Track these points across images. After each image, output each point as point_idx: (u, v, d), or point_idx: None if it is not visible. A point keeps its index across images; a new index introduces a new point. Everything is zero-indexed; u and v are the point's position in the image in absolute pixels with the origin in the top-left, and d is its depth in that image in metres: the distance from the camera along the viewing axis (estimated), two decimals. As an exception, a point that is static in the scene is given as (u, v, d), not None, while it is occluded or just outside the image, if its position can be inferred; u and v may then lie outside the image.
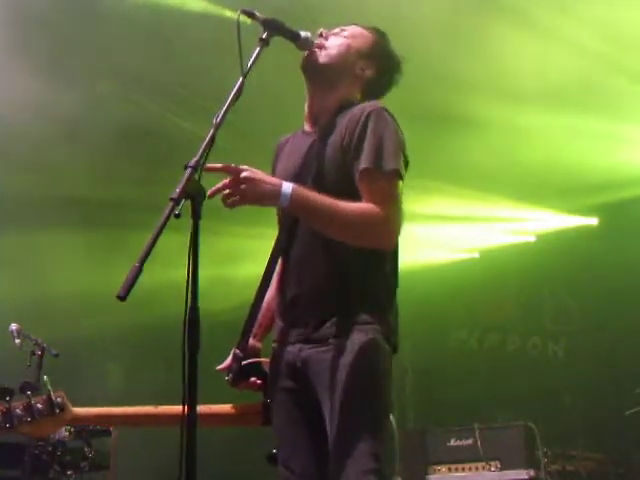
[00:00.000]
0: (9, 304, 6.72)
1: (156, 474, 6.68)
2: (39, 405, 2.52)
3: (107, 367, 8.38)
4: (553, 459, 6.40)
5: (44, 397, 2.55)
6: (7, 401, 2.52)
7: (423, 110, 5.74)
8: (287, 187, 2.42)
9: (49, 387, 2.58)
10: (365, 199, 2.51)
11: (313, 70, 2.73)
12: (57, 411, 2.54)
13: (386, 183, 2.53)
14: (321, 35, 2.77)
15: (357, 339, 2.51)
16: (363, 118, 2.59)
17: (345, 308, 2.56)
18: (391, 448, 2.53)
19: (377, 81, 2.82)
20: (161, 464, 5.92)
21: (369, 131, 2.57)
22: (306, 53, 2.74)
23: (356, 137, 2.58)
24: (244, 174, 2.37)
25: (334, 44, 2.77)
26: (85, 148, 6.78)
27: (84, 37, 6.01)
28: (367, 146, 2.55)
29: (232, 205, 2.37)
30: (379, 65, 2.82)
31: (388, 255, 2.67)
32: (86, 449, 5.95)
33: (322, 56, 2.73)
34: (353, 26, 2.85)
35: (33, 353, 5.83)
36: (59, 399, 2.56)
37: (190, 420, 2.03)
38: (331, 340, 2.53)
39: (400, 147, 2.61)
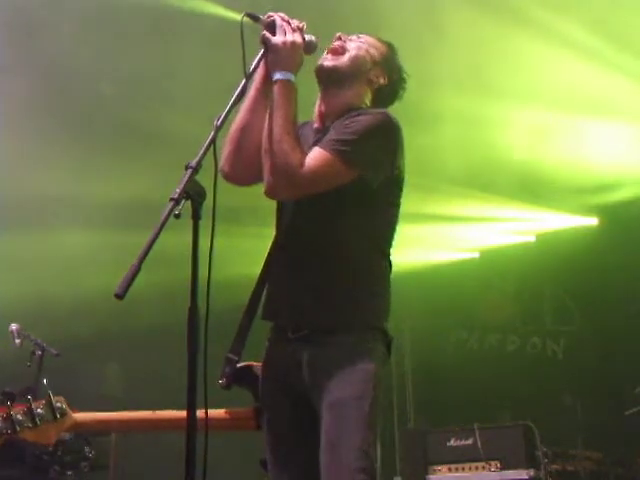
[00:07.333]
0: (9, 304, 6.71)
1: (156, 474, 6.68)
2: (39, 410, 2.47)
3: (106, 367, 8.37)
4: (553, 459, 6.40)
5: (44, 401, 2.50)
6: (8, 406, 2.46)
7: (420, 109, 5.73)
8: (292, 76, 2.55)
9: (49, 391, 2.52)
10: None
11: (330, 71, 2.72)
12: (58, 416, 2.50)
13: (329, 159, 2.49)
14: (339, 38, 2.78)
15: (355, 341, 2.53)
16: (356, 113, 2.61)
17: (344, 310, 2.57)
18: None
19: (388, 90, 2.82)
20: (161, 464, 5.93)
21: (354, 120, 2.57)
22: (323, 56, 2.73)
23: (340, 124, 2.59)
24: (297, 39, 2.58)
25: (355, 46, 2.77)
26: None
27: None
28: (339, 129, 2.56)
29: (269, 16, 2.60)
30: (390, 75, 2.82)
31: (385, 257, 2.68)
32: (86, 449, 5.94)
33: (342, 58, 2.73)
34: (366, 35, 2.85)
35: (33, 353, 5.83)
36: (59, 404, 2.51)
37: (192, 414, 2.02)
38: (329, 340, 2.53)
39: (374, 147, 2.56)
